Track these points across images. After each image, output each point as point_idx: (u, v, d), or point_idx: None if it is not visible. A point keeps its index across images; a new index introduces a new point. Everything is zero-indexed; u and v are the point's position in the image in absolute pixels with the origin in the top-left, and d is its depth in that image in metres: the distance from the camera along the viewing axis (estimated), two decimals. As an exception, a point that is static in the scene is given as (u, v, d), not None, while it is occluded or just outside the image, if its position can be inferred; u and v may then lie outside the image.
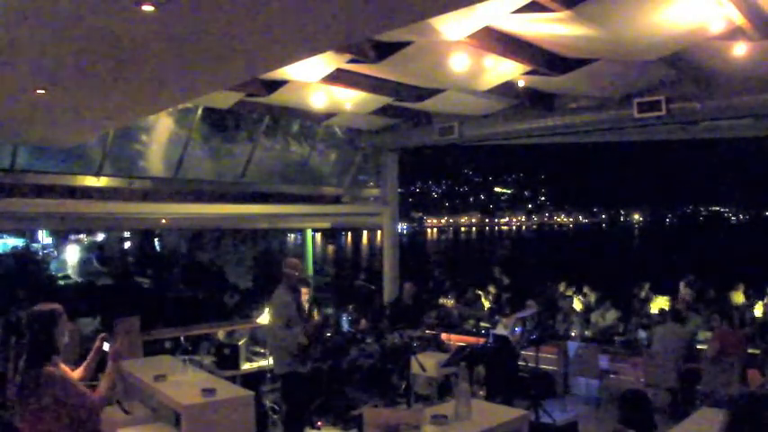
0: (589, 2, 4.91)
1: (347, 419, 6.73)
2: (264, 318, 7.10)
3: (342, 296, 11.77)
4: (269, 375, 7.32)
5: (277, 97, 7.58)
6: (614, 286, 11.23)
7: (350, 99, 7.83)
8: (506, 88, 7.40)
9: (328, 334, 7.82)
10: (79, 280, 21.82)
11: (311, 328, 5.98)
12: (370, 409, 6.39)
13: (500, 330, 7.55)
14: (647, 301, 10.00)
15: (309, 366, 5.90)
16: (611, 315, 9.16)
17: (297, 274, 6.05)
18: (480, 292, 10.81)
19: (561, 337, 8.43)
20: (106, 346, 3.51)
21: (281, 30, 3.43)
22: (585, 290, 10.54)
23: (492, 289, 10.86)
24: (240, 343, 7.43)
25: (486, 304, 10.54)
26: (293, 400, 5.86)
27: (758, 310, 9.47)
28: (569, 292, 10.56)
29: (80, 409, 3.16)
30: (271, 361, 6.70)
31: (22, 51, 3.52)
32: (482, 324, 9.25)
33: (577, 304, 9.95)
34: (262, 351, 7.70)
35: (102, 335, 3.63)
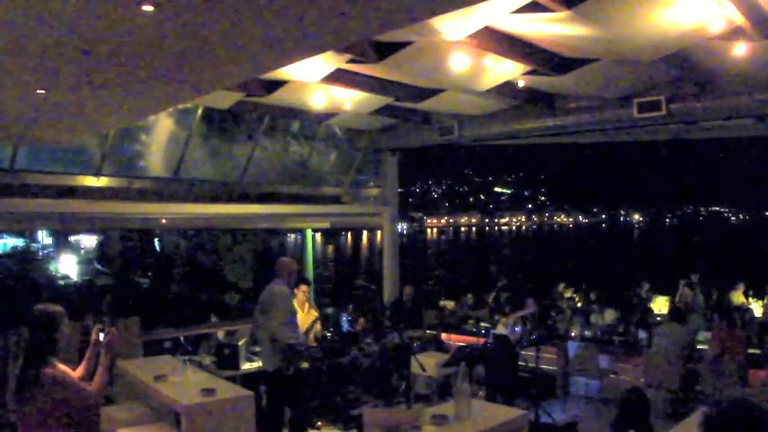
0: (589, 2, 4.91)
1: (347, 419, 6.73)
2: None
3: (342, 296, 11.78)
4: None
5: (277, 97, 7.57)
6: (614, 286, 11.24)
7: (350, 99, 7.83)
8: (506, 88, 7.40)
9: (328, 334, 7.82)
10: (79, 280, 21.81)
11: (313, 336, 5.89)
12: (370, 409, 6.39)
13: (500, 330, 7.55)
14: (648, 300, 10.01)
15: (292, 369, 5.78)
16: (610, 315, 9.17)
17: (293, 273, 5.98)
18: (480, 296, 10.79)
19: (561, 337, 8.42)
20: (102, 337, 3.50)
21: (281, 30, 3.43)
22: (585, 290, 10.56)
23: (498, 285, 10.84)
24: (240, 343, 7.42)
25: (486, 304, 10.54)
26: (274, 399, 5.81)
27: (758, 311, 9.48)
28: (568, 293, 10.57)
29: (79, 409, 3.15)
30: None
31: (22, 51, 3.52)
32: (482, 324, 9.26)
33: (578, 304, 9.96)
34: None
35: (98, 326, 3.61)
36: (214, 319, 9.29)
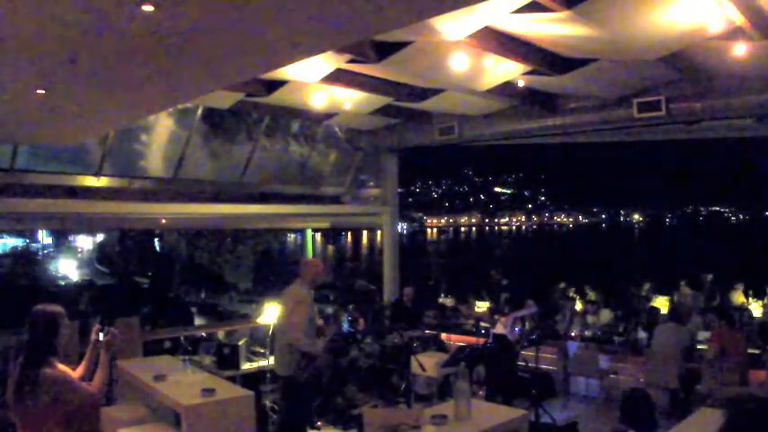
0: (589, 2, 4.91)
1: (347, 419, 6.73)
2: (268, 316, 7.02)
3: (342, 296, 11.79)
4: (269, 375, 7.31)
5: (277, 97, 7.57)
6: (614, 286, 11.24)
7: (350, 99, 7.82)
8: (506, 88, 7.40)
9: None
10: (79, 280, 21.84)
11: (326, 337, 5.76)
12: (370, 409, 6.39)
13: (499, 330, 7.56)
14: (648, 300, 10.01)
15: (304, 376, 5.68)
16: (606, 315, 9.17)
17: (318, 275, 5.73)
18: (481, 296, 10.80)
19: (561, 337, 8.43)
20: (101, 337, 3.49)
21: (281, 30, 3.43)
22: (586, 290, 10.55)
23: (497, 280, 10.83)
24: (240, 343, 7.43)
25: (486, 305, 10.54)
26: (291, 404, 5.80)
27: (758, 311, 9.48)
28: (568, 293, 10.57)
29: (79, 409, 3.15)
30: (271, 361, 6.66)
31: (22, 51, 3.52)
32: (482, 324, 9.25)
33: (578, 304, 9.96)
34: (262, 351, 7.69)
35: (97, 326, 3.60)
36: (194, 312, 9.29)
